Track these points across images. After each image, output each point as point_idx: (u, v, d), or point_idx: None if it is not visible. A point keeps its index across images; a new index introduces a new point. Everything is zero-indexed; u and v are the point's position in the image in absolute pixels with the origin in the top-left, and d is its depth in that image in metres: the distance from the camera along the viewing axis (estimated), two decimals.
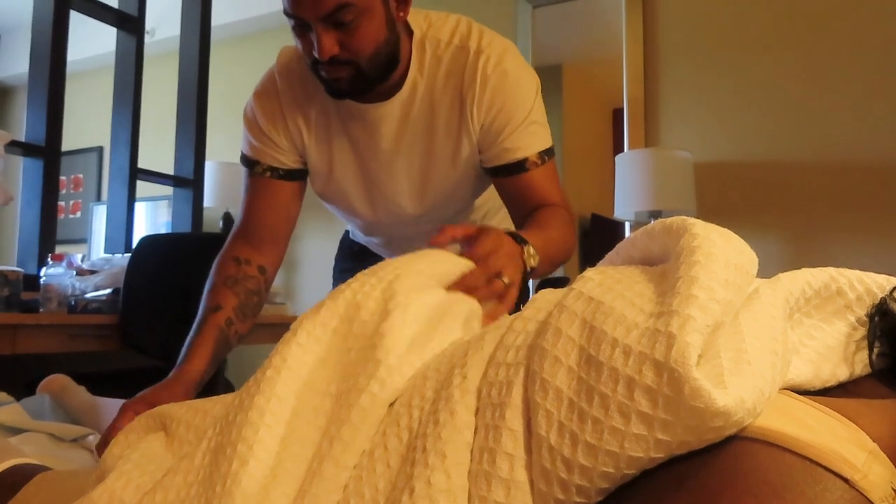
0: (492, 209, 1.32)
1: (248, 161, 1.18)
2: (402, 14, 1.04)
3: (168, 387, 0.97)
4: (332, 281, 1.48)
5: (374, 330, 0.58)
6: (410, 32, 1.09)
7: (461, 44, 1.08)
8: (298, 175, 1.19)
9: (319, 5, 0.94)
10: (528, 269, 0.92)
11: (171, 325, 2.22)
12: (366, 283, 0.64)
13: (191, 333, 1.07)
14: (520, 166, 1.12)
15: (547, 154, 1.14)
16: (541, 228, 1.04)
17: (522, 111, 1.09)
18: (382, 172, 1.16)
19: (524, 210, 1.13)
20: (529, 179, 1.12)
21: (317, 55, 0.98)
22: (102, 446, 0.82)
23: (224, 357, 1.12)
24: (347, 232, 1.49)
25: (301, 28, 0.99)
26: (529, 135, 1.11)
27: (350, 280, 0.66)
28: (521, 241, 0.93)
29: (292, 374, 0.57)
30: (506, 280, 0.84)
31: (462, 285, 0.77)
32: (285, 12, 0.98)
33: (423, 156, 1.14)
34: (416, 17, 1.10)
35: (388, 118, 1.11)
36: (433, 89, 1.09)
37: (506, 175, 1.13)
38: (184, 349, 1.05)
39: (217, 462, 0.54)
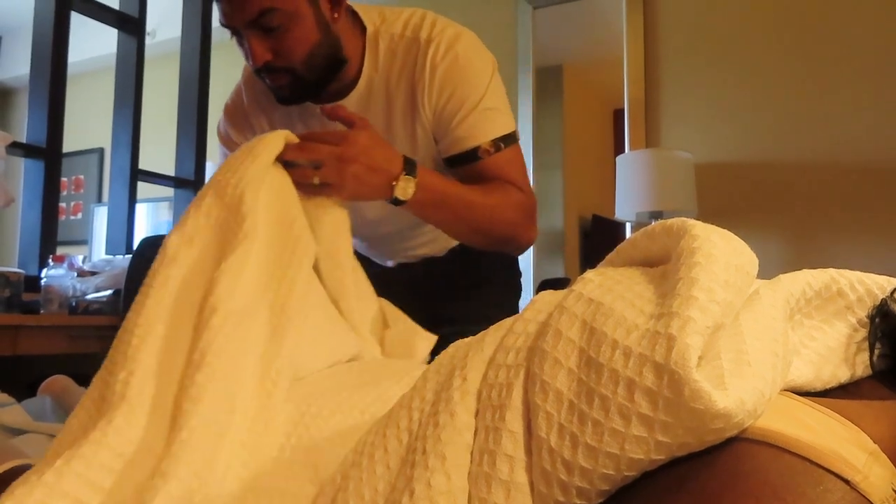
0: None
1: None
2: (336, 15, 1.02)
3: None
4: None
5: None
6: (363, 29, 1.08)
7: (413, 35, 1.07)
8: None
9: (243, 11, 0.95)
10: (394, 197, 0.91)
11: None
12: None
13: None
14: (472, 155, 1.08)
15: (504, 140, 1.09)
16: (465, 187, 1.01)
17: (474, 96, 1.06)
18: None
19: None
20: (483, 169, 1.08)
21: (250, 62, 0.99)
22: None
23: None
24: None
25: (238, 37, 1.00)
26: (483, 121, 1.07)
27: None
28: (407, 165, 0.90)
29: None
30: (316, 180, 0.83)
31: (284, 152, 0.80)
32: (220, 23, 0.99)
33: None
34: (369, 13, 1.09)
35: None
36: (388, 83, 1.08)
37: (460, 165, 1.09)
38: None
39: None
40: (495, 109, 1.09)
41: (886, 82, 2.30)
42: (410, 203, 0.93)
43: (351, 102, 1.09)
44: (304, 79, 1.02)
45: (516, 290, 1.38)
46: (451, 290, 1.28)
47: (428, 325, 1.31)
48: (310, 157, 0.84)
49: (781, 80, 2.45)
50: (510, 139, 1.10)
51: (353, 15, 1.09)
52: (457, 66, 1.05)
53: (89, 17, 2.81)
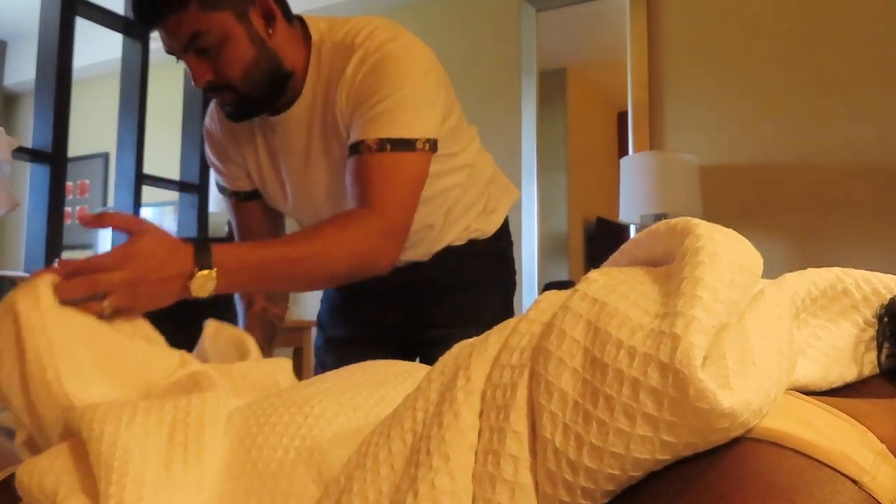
0: (453, 213, 1.25)
1: (219, 188, 1.28)
2: (270, 31, 1.03)
3: None
4: None
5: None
6: (309, 39, 1.09)
7: (349, 41, 1.06)
8: (259, 194, 1.25)
9: (176, 37, 0.98)
10: (193, 295, 0.82)
11: (175, 330, 2.22)
12: None
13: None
14: (355, 148, 1.02)
15: (394, 144, 1.00)
16: (284, 244, 0.94)
17: (384, 90, 1.01)
18: (301, 176, 1.17)
19: (351, 201, 1.03)
20: (359, 165, 1.01)
21: (194, 83, 1.01)
22: None
23: (275, 337, 1.28)
24: None
25: (182, 62, 1.02)
26: (382, 118, 1.01)
27: None
28: (199, 260, 0.80)
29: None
30: (108, 311, 0.74)
31: (59, 288, 0.70)
32: (165, 52, 1.02)
33: (332, 157, 1.12)
34: (316, 23, 1.10)
35: (294, 125, 1.12)
36: (328, 91, 1.08)
37: (350, 156, 1.04)
38: None
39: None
40: (405, 111, 1.01)
41: (890, 84, 2.29)
42: (219, 290, 0.84)
43: (298, 111, 1.11)
44: (247, 95, 1.03)
45: (507, 290, 1.38)
46: (438, 294, 1.28)
47: (417, 328, 1.31)
48: (94, 291, 0.73)
49: (785, 82, 2.44)
50: (404, 144, 1.01)
51: (302, 26, 1.10)
52: (378, 63, 1.02)
53: (94, 22, 2.82)
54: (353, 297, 1.37)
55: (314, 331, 2.86)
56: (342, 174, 1.09)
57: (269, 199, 1.25)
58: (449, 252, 1.26)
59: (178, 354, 0.80)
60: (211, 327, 0.91)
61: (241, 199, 1.26)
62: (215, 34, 0.98)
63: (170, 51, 1.01)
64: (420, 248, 1.25)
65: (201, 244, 0.83)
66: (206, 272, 0.81)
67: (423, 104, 1.03)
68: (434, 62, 1.09)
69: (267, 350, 1.20)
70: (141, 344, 0.79)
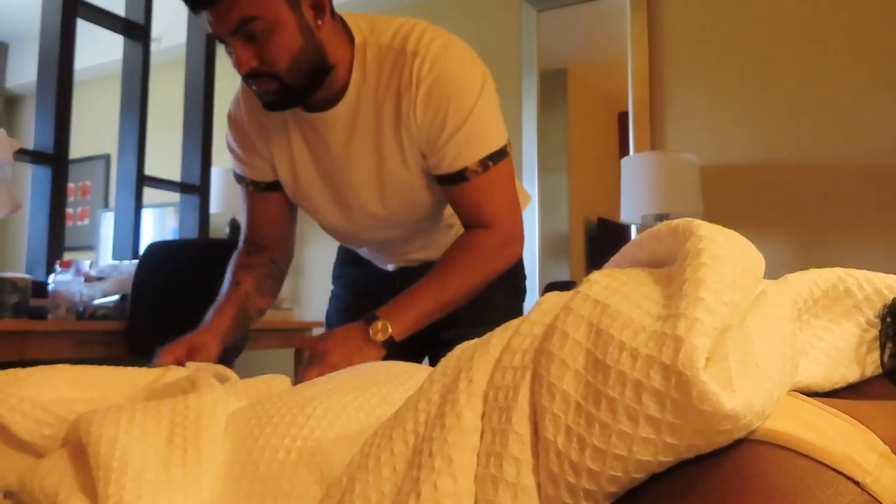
0: None
1: (236, 176, 1.26)
2: (319, 22, 1.03)
3: (200, 333, 1.11)
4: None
5: None
6: (351, 39, 1.08)
7: (401, 46, 1.06)
8: (279, 186, 1.23)
9: (225, 21, 0.97)
10: (380, 341, 1.03)
11: (178, 332, 2.22)
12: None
13: (214, 304, 1.18)
14: (460, 176, 1.08)
15: (493, 158, 1.08)
16: (431, 285, 1.09)
17: (459, 115, 1.05)
18: (340, 176, 1.17)
19: (464, 220, 1.15)
20: (469, 190, 1.09)
21: (236, 69, 1.01)
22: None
23: (246, 326, 1.23)
24: None
25: (226, 45, 1.01)
26: (472, 140, 1.06)
27: None
28: (383, 342, 1.03)
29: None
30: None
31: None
32: (208, 34, 1.01)
33: (374, 160, 1.13)
34: (358, 23, 1.10)
35: (335, 125, 1.11)
36: (376, 94, 1.08)
37: (448, 184, 1.10)
38: (208, 314, 1.16)
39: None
40: (484, 125, 1.07)
41: (892, 84, 2.29)
42: (398, 333, 1.05)
43: (340, 111, 1.10)
44: (290, 85, 1.03)
45: (519, 292, 1.38)
46: None
47: (427, 329, 1.31)
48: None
49: (786, 82, 2.44)
50: (499, 155, 1.09)
51: (342, 24, 1.09)
52: (443, 81, 1.04)
53: (95, 23, 2.82)
54: (364, 297, 1.37)
55: (315, 331, 2.86)
56: (385, 174, 1.13)
57: (299, 194, 1.22)
58: None
59: (163, 369, 0.84)
60: (192, 366, 0.97)
61: (259, 189, 1.23)
62: (266, 20, 0.97)
63: (215, 34, 1.00)
64: (435, 248, 1.27)
65: (376, 328, 1.03)
66: (375, 324, 1.04)
67: (494, 111, 1.10)
68: (481, 63, 1.12)
69: (233, 334, 1.16)
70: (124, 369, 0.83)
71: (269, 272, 1.26)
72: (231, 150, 1.24)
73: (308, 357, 1.02)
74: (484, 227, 1.12)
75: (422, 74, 1.04)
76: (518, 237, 1.16)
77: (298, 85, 1.03)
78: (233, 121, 1.22)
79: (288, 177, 1.20)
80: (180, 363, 1.01)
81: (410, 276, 1.32)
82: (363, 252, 1.37)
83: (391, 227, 1.22)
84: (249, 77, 1.02)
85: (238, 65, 1.00)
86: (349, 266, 1.43)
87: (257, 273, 1.23)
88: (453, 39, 1.09)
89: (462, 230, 1.27)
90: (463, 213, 1.14)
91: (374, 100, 1.09)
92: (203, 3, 0.97)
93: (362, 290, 1.38)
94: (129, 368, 0.83)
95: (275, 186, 1.23)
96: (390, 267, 1.35)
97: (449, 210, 1.22)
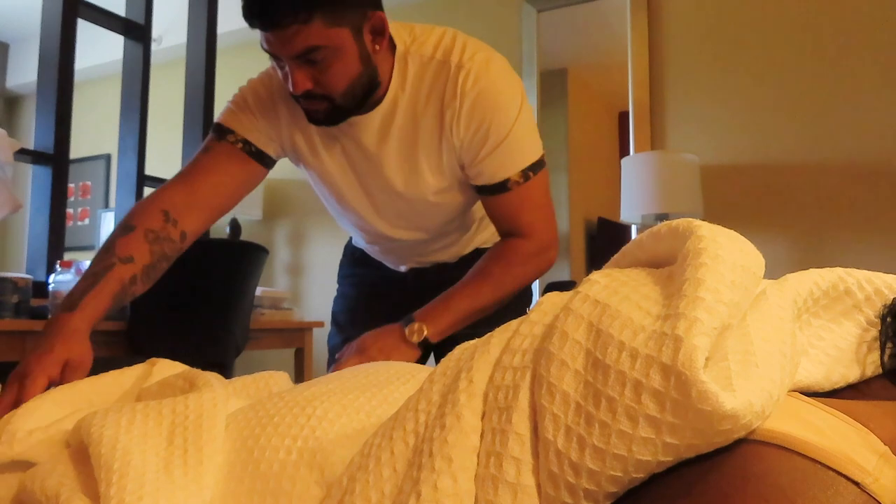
0: (487, 218, 1.30)
1: (221, 129, 1.15)
2: (377, 47, 1.03)
3: (66, 340, 0.91)
4: (336, 286, 1.49)
5: None
6: (394, 47, 1.08)
7: (443, 58, 1.07)
8: (264, 160, 1.16)
9: (289, 47, 0.96)
10: (415, 342, 1.07)
11: (178, 331, 2.22)
12: None
13: (89, 272, 0.98)
14: (501, 187, 1.12)
15: (532, 169, 1.12)
16: (468, 290, 1.13)
17: (502, 129, 1.07)
18: (373, 178, 1.17)
19: (500, 228, 1.18)
20: (509, 200, 1.13)
21: (289, 87, 1.00)
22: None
23: (121, 306, 1.05)
24: (351, 238, 1.50)
25: (278, 61, 1.00)
26: (512, 152, 1.09)
27: None
28: (406, 323, 1.08)
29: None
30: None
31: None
32: (262, 47, 1.00)
33: (407, 166, 1.14)
34: (400, 32, 1.10)
35: (368, 130, 1.12)
36: (416, 104, 1.09)
37: (489, 194, 1.13)
38: (79, 288, 0.96)
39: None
40: (525, 137, 1.10)
41: (893, 84, 2.29)
42: (433, 334, 1.10)
43: (375, 117, 1.10)
44: (342, 107, 1.04)
45: (525, 293, 1.39)
46: None
47: None
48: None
49: (786, 82, 2.44)
50: (538, 165, 1.13)
51: (389, 37, 1.09)
52: (487, 96, 1.06)
53: (96, 24, 2.82)
54: (375, 296, 1.38)
55: (315, 331, 2.86)
56: (416, 180, 1.15)
57: (324, 182, 1.20)
58: (475, 256, 1.28)
59: (148, 364, 0.83)
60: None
61: (242, 149, 1.13)
62: (331, 49, 0.97)
63: (272, 51, 0.99)
64: (451, 251, 1.30)
65: (412, 329, 1.08)
66: (410, 325, 1.09)
67: (531, 122, 1.12)
68: (517, 75, 1.14)
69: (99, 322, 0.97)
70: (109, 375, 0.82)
71: (171, 252, 1.07)
72: (237, 105, 1.16)
73: (350, 347, 1.08)
74: (520, 237, 1.15)
75: (466, 88, 1.05)
76: (552, 245, 1.19)
77: (349, 106, 1.04)
78: (257, 90, 1.15)
79: (324, 176, 1.20)
80: (54, 384, 0.87)
81: (422, 276, 1.33)
82: (373, 251, 1.38)
83: (419, 230, 1.24)
84: (301, 97, 1.02)
85: (293, 85, 0.99)
86: (358, 266, 1.43)
87: (158, 250, 1.04)
88: (493, 53, 1.11)
89: (474, 232, 1.29)
90: (500, 222, 1.17)
91: (412, 109, 1.10)
92: (269, 26, 0.95)
93: (373, 290, 1.39)
94: (110, 373, 0.81)
95: (260, 157, 1.15)
96: (402, 268, 1.36)
97: (468, 215, 1.25)
